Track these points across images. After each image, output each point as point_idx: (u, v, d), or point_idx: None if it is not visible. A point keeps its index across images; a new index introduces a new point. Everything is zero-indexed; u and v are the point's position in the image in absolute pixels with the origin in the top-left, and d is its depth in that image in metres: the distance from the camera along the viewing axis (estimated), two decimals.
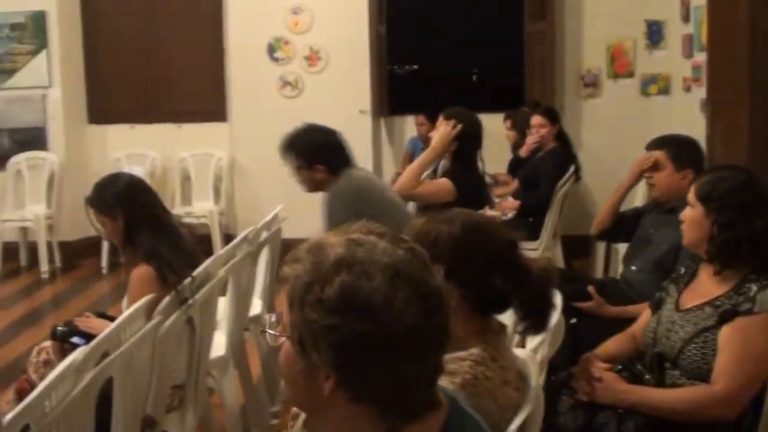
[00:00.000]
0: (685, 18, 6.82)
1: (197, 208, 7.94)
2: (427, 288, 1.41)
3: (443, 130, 4.54)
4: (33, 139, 8.15)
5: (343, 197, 3.99)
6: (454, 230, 2.04)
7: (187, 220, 6.58)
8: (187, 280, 3.22)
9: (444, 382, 1.84)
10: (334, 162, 4.07)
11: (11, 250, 7.99)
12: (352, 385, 1.39)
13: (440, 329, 1.42)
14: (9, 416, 2.02)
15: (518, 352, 2.11)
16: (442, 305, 1.42)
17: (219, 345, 3.81)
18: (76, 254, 8.07)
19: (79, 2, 8.31)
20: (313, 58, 7.99)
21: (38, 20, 8.04)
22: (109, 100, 8.39)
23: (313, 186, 4.14)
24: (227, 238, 7.54)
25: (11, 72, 8.16)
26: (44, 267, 7.78)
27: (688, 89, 6.82)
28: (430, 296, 1.41)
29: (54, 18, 8.07)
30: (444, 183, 4.52)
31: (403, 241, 1.46)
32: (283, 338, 1.45)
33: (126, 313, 2.80)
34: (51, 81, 8.12)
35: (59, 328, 3.65)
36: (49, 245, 7.90)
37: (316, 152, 4.07)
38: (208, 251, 4.72)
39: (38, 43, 8.08)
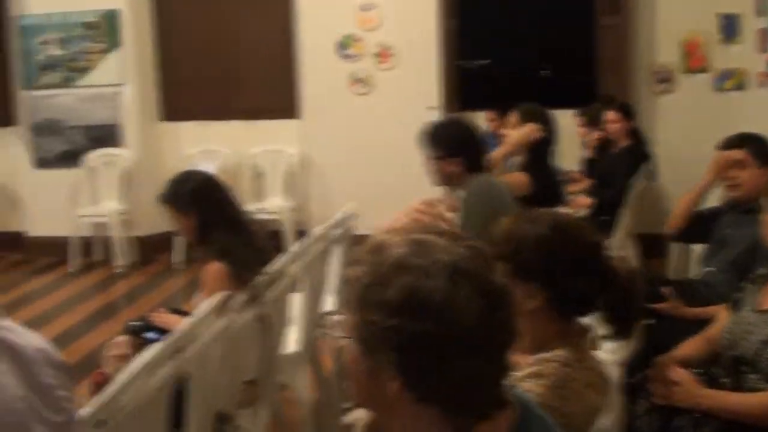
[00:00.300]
0: (759, 12, 6.67)
1: (269, 205, 8.00)
2: (489, 285, 1.39)
3: (526, 130, 4.49)
4: (107, 136, 8.28)
5: (482, 196, 3.88)
6: (540, 230, 2.02)
7: (258, 216, 6.63)
8: (260, 277, 3.24)
9: (530, 383, 1.83)
10: (472, 158, 3.99)
11: (87, 245, 8.13)
12: (416, 386, 1.38)
13: (504, 327, 1.41)
14: (86, 410, 2.04)
15: (598, 354, 2.08)
16: (505, 302, 1.41)
17: (292, 341, 3.82)
18: (150, 249, 8.18)
19: (152, 1, 8.41)
20: (383, 54, 7.99)
21: (111, 19, 8.16)
22: (182, 97, 8.48)
23: (445, 179, 4.01)
24: (299, 234, 7.58)
25: (85, 70, 8.29)
26: (119, 262, 7.91)
27: (763, 84, 6.67)
28: (493, 293, 1.39)
29: (126, 16, 8.18)
30: (521, 176, 4.49)
31: (462, 239, 1.44)
32: (347, 339, 1.45)
33: (199, 310, 2.82)
34: (124, 79, 8.24)
35: (133, 323, 3.70)
36: (124, 240, 8.02)
37: (457, 145, 3.96)
38: (280, 247, 4.74)
39: (111, 41, 8.19)
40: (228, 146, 8.30)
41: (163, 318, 3.62)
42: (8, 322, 1.68)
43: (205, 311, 2.80)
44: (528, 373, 1.87)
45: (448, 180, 4.00)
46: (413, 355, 1.36)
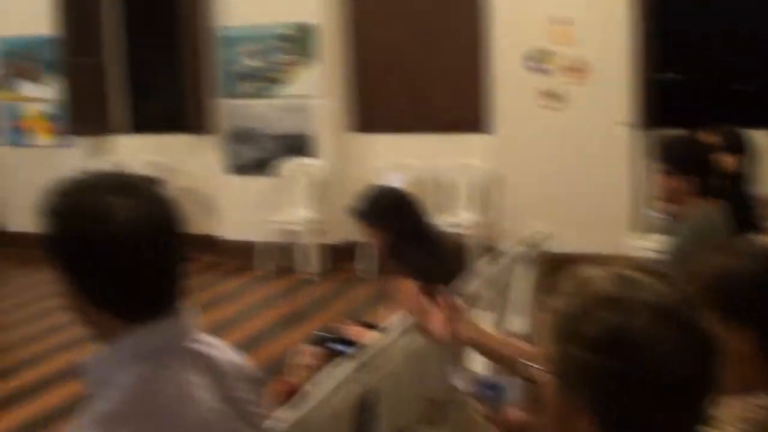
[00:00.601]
0: None
1: (456, 219, 7.94)
2: (697, 332, 1.32)
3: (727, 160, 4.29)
4: (300, 145, 8.46)
5: (703, 226, 3.71)
6: (750, 266, 1.86)
7: (446, 230, 6.60)
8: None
9: (735, 428, 1.71)
10: (706, 181, 3.84)
11: (279, 251, 8.32)
12: (609, 426, 1.32)
13: (708, 375, 1.33)
14: (278, 425, 2.05)
15: None
16: (711, 349, 1.33)
17: (477, 360, 3.77)
18: (337, 258, 8.29)
19: (347, 14, 8.55)
20: (575, 69, 7.83)
21: (307, 32, 8.34)
22: (373, 109, 8.58)
23: (672, 196, 3.84)
24: (486, 250, 7.52)
25: (281, 81, 8.51)
26: (308, 269, 8.07)
27: None
28: (701, 341, 1.32)
29: (322, 29, 8.34)
30: (715, 203, 4.27)
31: (672, 280, 1.37)
32: (545, 371, 1.40)
33: (390, 327, 2.81)
34: (318, 90, 8.40)
35: (320, 333, 3.73)
36: (312, 248, 8.17)
37: (696, 164, 3.84)
38: (467, 263, 4.70)
39: (306, 53, 8.38)
40: (418, 159, 8.32)
41: (350, 330, 3.64)
42: (207, 337, 1.70)
43: (396, 329, 2.78)
44: (733, 417, 1.75)
45: (674, 198, 3.83)
46: (609, 395, 1.31)
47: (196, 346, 1.66)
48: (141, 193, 1.57)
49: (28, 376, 5.94)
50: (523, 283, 4.37)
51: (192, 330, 1.65)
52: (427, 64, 8.40)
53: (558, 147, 7.82)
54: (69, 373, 5.81)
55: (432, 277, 3.32)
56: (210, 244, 8.68)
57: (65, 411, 5.27)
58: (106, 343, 1.59)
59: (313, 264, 8.16)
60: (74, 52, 9.27)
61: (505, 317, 4.14)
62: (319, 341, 3.68)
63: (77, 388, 5.38)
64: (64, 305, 1.59)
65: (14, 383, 5.86)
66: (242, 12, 8.54)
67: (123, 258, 1.51)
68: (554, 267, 5.02)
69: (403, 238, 3.45)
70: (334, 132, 8.51)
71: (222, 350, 1.76)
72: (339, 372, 2.33)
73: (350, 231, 8.27)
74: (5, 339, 6.86)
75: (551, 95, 7.88)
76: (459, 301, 2.31)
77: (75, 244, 1.52)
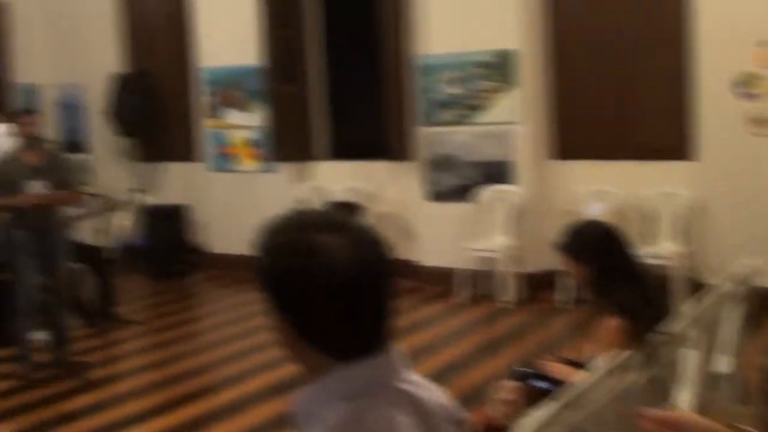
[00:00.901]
0: None
1: (659, 250, 7.66)
2: None
3: None
4: (499, 172, 8.43)
5: None
6: None
7: (648, 261, 6.40)
8: (657, 336, 3.09)
9: None
10: None
11: (475, 278, 8.30)
12: None
13: None
14: None
15: None
16: None
17: (682, 401, 3.61)
18: (536, 287, 8.19)
19: (547, 40, 8.47)
20: None
21: (507, 59, 8.31)
22: (573, 136, 8.45)
23: None
24: (690, 283, 7.25)
25: (480, 108, 8.50)
26: (505, 297, 8.01)
27: None
28: None
29: (522, 57, 8.29)
30: None
31: None
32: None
33: (596, 367, 2.73)
34: (517, 117, 8.35)
35: (521, 369, 3.67)
36: (511, 276, 8.11)
37: None
38: (672, 299, 4.52)
39: (506, 80, 8.35)
40: (618, 187, 8.12)
41: (553, 367, 3.56)
42: (415, 376, 1.69)
43: (602, 369, 2.70)
44: None
45: None
46: None
47: (404, 385, 1.65)
48: (354, 232, 1.58)
49: (231, 394, 6.15)
50: (730, 321, 4.17)
51: (401, 369, 1.64)
52: (629, 89, 8.21)
53: (766, 175, 7.44)
54: (270, 392, 5.99)
55: (638, 316, 3.21)
56: (408, 269, 8.74)
57: (266, 430, 5.42)
58: (314, 378, 1.60)
59: (510, 292, 8.09)
60: (279, 81, 9.60)
61: (711, 356, 3.96)
62: (521, 377, 3.62)
63: (278, 407, 5.54)
64: (271, 334, 1.61)
65: (217, 401, 6.09)
66: (442, 40, 8.61)
67: (336, 296, 1.53)
68: (764, 304, 4.79)
69: (608, 274, 3.37)
70: (534, 159, 8.43)
71: (430, 390, 1.74)
72: (543, 412, 2.28)
73: (549, 259, 8.17)
74: (210, 357, 7.14)
75: (759, 121, 7.52)
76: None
77: (289, 281, 1.55)
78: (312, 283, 1.52)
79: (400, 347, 1.62)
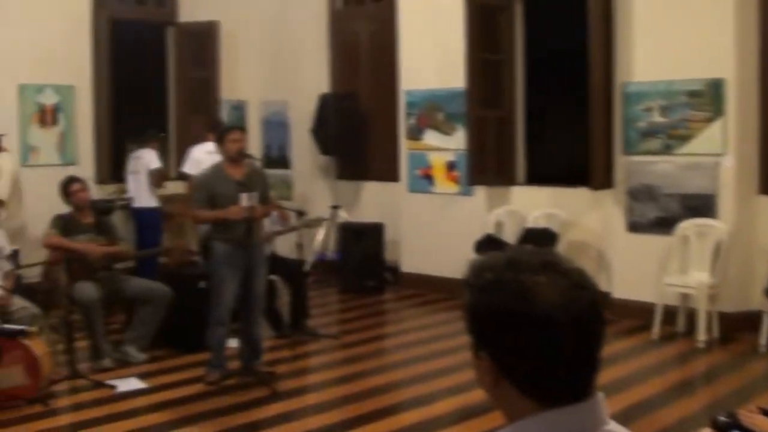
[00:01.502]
0: None
1: None
2: None
3: None
4: (703, 206, 8.12)
5: None
6: None
7: None
8: None
9: None
10: None
11: (671, 314, 8.02)
12: None
13: None
14: None
15: None
16: None
17: None
18: (735, 327, 7.84)
19: (763, 69, 8.10)
20: None
21: (716, 88, 8.01)
22: None
23: None
24: None
25: (686, 138, 8.23)
26: (701, 336, 7.69)
27: None
28: None
29: (732, 85, 7.97)
30: None
31: None
32: None
33: None
34: (725, 149, 8.02)
35: (722, 419, 3.51)
36: (709, 314, 7.78)
37: None
38: None
39: (715, 110, 8.04)
40: None
41: (754, 419, 3.38)
42: (614, 425, 1.64)
43: None
44: None
45: None
46: None
47: None
48: (567, 274, 1.55)
49: (416, 416, 6.14)
50: None
51: (605, 418, 1.60)
52: None
53: None
54: (456, 417, 5.97)
55: None
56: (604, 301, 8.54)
57: None
58: (513, 420, 1.58)
59: (708, 331, 7.76)
60: (480, 104, 9.60)
61: None
62: (723, 428, 3.46)
63: None
64: (459, 357, 1.60)
65: (402, 421, 6.08)
66: (648, 67, 8.40)
67: (545, 338, 1.50)
68: None
69: None
70: (740, 193, 8.07)
71: None
72: None
73: (750, 299, 7.83)
74: (398, 375, 7.18)
75: None
76: None
77: (497, 320, 1.53)
78: (521, 324, 1.51)
79: (603, 395, 1.59)
